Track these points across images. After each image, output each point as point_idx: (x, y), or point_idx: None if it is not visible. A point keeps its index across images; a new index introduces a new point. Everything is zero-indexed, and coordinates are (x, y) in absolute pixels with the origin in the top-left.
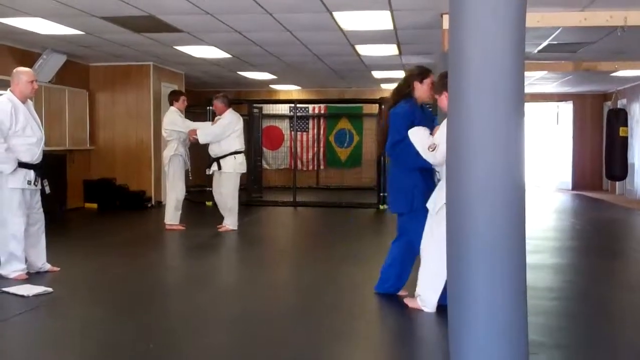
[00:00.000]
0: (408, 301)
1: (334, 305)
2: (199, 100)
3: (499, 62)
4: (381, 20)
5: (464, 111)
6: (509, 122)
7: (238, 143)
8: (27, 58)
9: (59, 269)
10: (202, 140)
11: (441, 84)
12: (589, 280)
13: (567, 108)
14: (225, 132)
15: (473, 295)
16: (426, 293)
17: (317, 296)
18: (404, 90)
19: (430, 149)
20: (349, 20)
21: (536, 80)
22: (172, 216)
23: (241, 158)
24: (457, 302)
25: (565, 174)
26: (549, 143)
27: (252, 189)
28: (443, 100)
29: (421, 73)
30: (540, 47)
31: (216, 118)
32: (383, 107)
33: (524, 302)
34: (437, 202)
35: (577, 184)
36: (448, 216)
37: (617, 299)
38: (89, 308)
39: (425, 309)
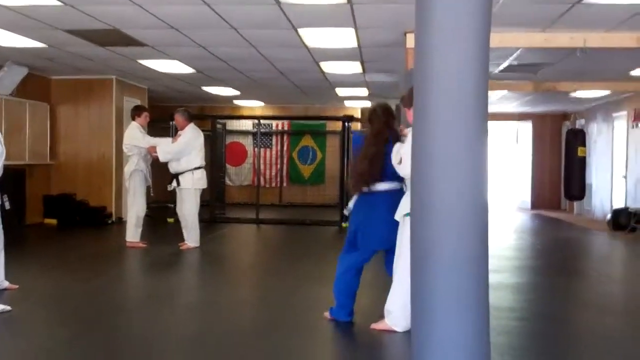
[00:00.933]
0: (376, 325)
1: (296, 324)
2: (162, 114)
3: (464, 80)
4: (346, 37)
5: (428, 128)
6: (472, 140)
7: (198, 159)
8: None
9: (17, 286)
10: (162, 158)
11: (410, 98)
12: (550, 299)
13: (527, 127)
14: (185, 150)
15: (436, 315)
16: (396, 310)
17: (279, 315)
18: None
19: (398, 162)
20: (314, 37)
21: (497, 100)
22: (133, 233)
23: (200, 173)
24: (420, 322)
25: (524, 193)
26: (508, 162)
27: (215, 205)
28: (411, 114)
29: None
30: (501, 67)
31: (178, 133)
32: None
33: (486, 322)
34: (401, 209)
35: (536, 203)
36: (412, 234)
37: (577, 319)
38: (48, 327)
39: (396, 328)
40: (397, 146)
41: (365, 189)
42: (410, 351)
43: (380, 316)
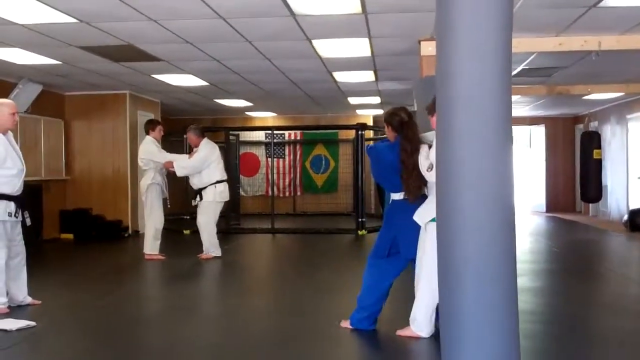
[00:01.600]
0: (401, 332)
1: (320, 332)
2: (175, 128)
3: (488, 87)
4: (359, 47)
5: (452, 136)
6: (498, 147)
7: (219, 173)
8: (1, 88)
9: (40, 302)
10: (179, 173)
11: (434, 106)
12: (570, 302)
13: (540, 131)
14: (202, 165)
15: (465, 321)
16: (421, 316)
17: (301, 324)
18: None
19: (429, 170)
20: (328, 47)
21: None
22: (151, 246)
23: (222, 187)
24: (449, 327)
25: (539, 197)
26: (522, 166)
27: (231, 216)
28: (434, 122)
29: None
30: (515, 72)
31: (193, 150)
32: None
33: (516, 325)
34: (426, 215)
35: (550, 206)
36: (438, 241)
37: (597, 321)
38: (72, 342)
39: (421, 334)
40: (425, 151)
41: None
42: (442, 354)
43: (404, 324)
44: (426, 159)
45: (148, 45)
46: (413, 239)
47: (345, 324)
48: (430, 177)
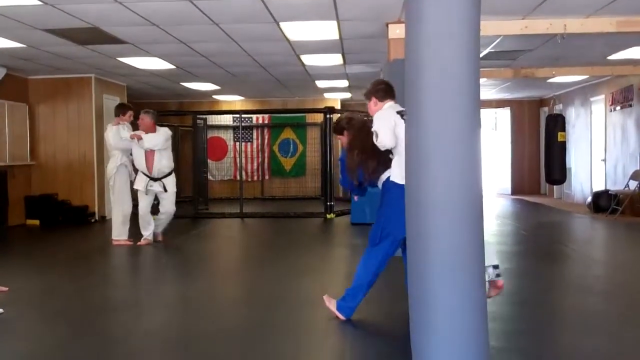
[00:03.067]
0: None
1: (288, 320)
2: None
3: (456, 71)
4: (327, 30)
5: (422, 118)
6: (466, 129)
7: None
8: None
9: (7, 288)
10: (145, 145)
11: (371, 90)
12: (539, 283)
13: (505, 114)
14: (166, 144)
15: (434, 302)
16: None
17: (272, 309)
18: None
19: (376, 139)
20: (296, 30)
21: None
22: (119, 231)
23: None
24: (419, 309)
25: (504, 179)
26: (487, 149)
27: (199, 200)
28: (371, 106)
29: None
30: (481, 55)
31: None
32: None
33: (484, 307)
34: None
35: (516, 189)
36: (407, 224)
37: (564, 301)
38: (42, 328)
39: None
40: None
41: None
42: (411, 339)
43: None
44: (372, 132)
45: (113, 27)
46: (399, 217)
47: (339, 315)
48: (379, 142)
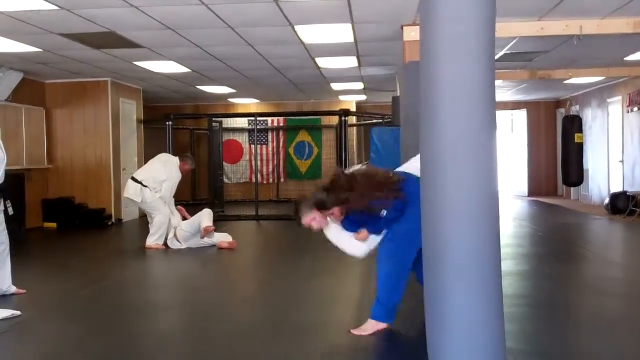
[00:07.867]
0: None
1: (305, 318)
2: (157, 115)
3: (471, 72)
4: (342, 33)
5: (437, 120)
6: (482, 131)
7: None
8: None
9: (24, 291)
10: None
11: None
12: (556, 285)
13: (521, 116)
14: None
15: (451, 305)
16: None
17: (291, 312)
18: None
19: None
20: (311, 33)
21: None
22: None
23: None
24: (434, 309)
25: (521, 181)
26: (504, 151)
27: (214, 203)
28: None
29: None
30: (496, 57)
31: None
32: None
33: (500, 308)
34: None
35: (533, 190)
36: (423, 225)
37: (582, 303)
38: (59, 330)
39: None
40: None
41: None
42: (427, 338)
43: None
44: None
45: (129, 31)
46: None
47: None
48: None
